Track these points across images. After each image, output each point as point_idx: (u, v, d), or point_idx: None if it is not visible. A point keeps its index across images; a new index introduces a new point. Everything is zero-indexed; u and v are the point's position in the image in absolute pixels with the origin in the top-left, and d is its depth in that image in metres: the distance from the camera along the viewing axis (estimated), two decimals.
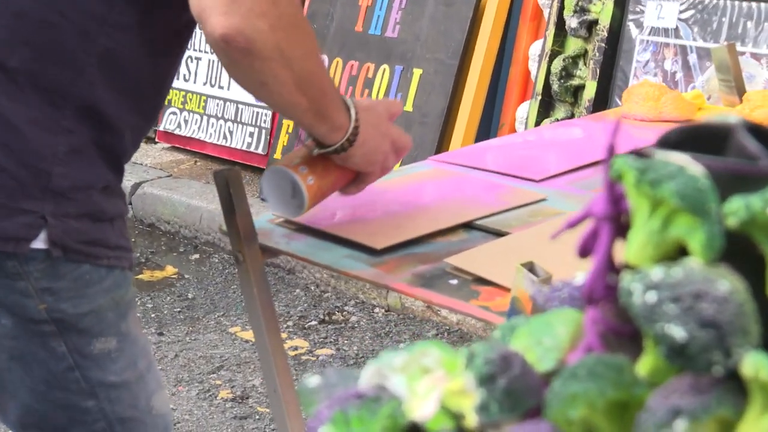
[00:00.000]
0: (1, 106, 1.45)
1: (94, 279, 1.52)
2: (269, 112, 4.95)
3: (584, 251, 0.81)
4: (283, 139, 4.79)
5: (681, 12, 3.80)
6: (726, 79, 2.54)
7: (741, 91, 2.50)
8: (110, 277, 1.54)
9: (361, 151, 1.63)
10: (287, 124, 4.78)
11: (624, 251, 0.77)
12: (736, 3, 3.69)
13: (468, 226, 1.73)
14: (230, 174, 1.69)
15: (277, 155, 4.78)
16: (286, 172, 1.66)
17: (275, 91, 1.50)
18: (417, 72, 4.40)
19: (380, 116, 1.67)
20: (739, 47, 3.46)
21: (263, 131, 4.97)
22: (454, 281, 1.54)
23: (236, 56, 1.43)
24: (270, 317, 1.75)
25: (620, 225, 0.79)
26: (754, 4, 3.64)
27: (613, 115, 2.49)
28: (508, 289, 1.45)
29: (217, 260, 4.59)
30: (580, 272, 0.85)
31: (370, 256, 1.64)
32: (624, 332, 0.78)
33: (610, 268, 0.79)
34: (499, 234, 1.70)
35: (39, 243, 1.47)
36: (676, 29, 3.80)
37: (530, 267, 1.29)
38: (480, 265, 1.56)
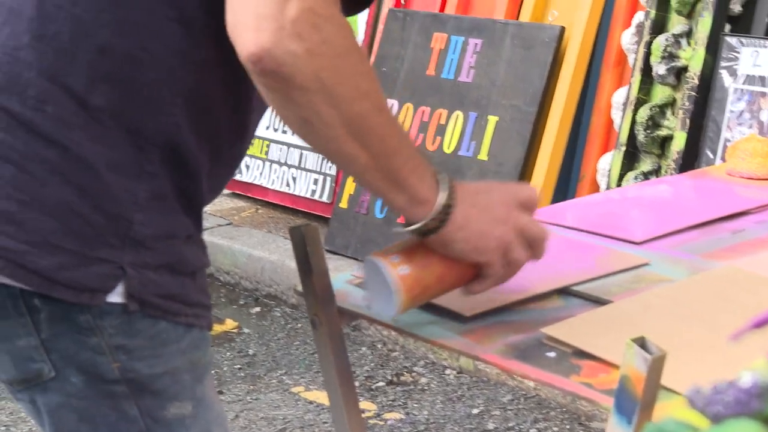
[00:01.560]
0: (81, 147, 1.40)
1: (171, 338, 1.46)
2: None
3: None
4: (349, 187, 4.68)
5: None
6: None
7: None
8: (188, 336, 1.48)
9: (463, 235, 1.45)
10: None
11: None
12: None
13: (564, 292, 1.64)
14: (307, 230, 1.59)
15: (343, 204, 4.68)
16: (375, 261, 1.48)
17: (321, 133, 1.35)
18: (492, 119, 4.29)
19: (497, 200, 1.49)
20: None
21: (328, 178, 4.87)
22: (552, 354, 1.45)
23: (267, 82, 1.32)
24: (348, 387, 1.66)
25: None
26: None
27: (718, 172, 2.36)
28: (612, 364, 1.37)
29: (279, 314, 4.52)
30: (747, 372, 0.78)
31: (458, 323, 1.54)
32: None
33: None
34: (599, 302, 1.60)
35: (115, 296, 1.41)
36: None
37: (641, 343, 1.20)
38: (580, 337, 1.47)
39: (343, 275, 1.70)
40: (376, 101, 1.38)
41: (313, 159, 4.94)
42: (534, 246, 1.51)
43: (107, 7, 1.40)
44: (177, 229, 1.46)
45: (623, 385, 1.21)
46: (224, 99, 1.47)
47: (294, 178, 5.00)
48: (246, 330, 4.37)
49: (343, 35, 1.33)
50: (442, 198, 1.42)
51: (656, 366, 1.17)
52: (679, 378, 1.29)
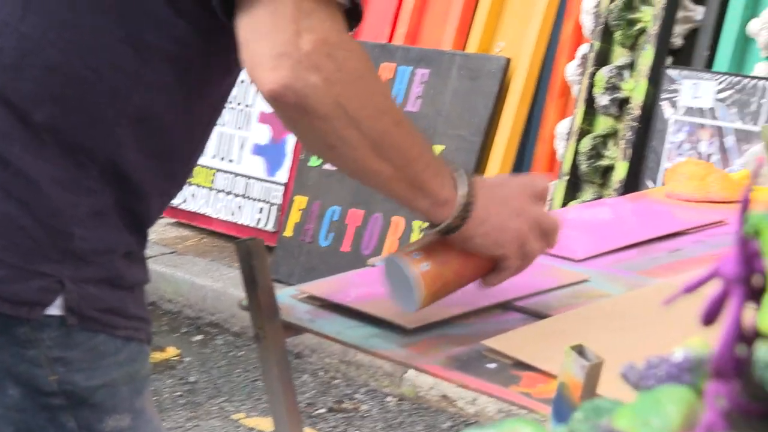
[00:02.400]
0: (23, 162, 1.39)
1: (109, 350, 1.46)
2: (280, 188, 4.83)
3: (709, 317, 0.74)
4: (294, 216, 4.66)
5: (718, 92, 3.70)
6: None
7: None
8: (126, 349, 1.48)
9: (483, 231, 1.48)
10: (299, 201, 4.64)
11: (757, 318, 0.70)
12: None
13: (505, 306, 1.64)
14: (253, 244, 1.59)
15: (287, 233, 4.66)
16: (396, 259, 1.51)
17: (348, 156, 1.39)
18: (438, 148, 4.30)
19: (513, 193, 1.52)
20: None
21: (273, 207, 4.85)
22: (493, 365, 1.46)
23: (291, 115, 1.35)
24: (291, 400, 1.65)
25: (751, 288, 0.72)
26: None
27: (657, 194, 2.38)
28: (550, 375, 1.38)
29: (221, 342, 4.48)
30: (679, 348, 0.80)
31: (401, 335, 1.55)
32: (753, 411, 0.72)
33: (739, 337, 0.73)
34: (539, 316, 1.61)
35: (54, 309, 1.41)
36: (713, 110, 3.70)
37: (580, 350, 1.21)
38: (520, 349, 1.48)
39: (288, 290, 1.70)
40: (395, 116, 1.41)
41: (258, 188, 4.92)
42: (548, 236, 1.54)
43: (55, 26, 1.40)
44: (117, 245, 1.45)
45: (561, 392, 1.20)
46: (177, 120, 1.47)
47: (239, 207, 4.98)
48: (187, 358, 4.33)
49: (356, 58, 1.36)
50: (462, 196, 1.45)
51: (593, 373, 1.17)
52: (615, 386, 1.30)
